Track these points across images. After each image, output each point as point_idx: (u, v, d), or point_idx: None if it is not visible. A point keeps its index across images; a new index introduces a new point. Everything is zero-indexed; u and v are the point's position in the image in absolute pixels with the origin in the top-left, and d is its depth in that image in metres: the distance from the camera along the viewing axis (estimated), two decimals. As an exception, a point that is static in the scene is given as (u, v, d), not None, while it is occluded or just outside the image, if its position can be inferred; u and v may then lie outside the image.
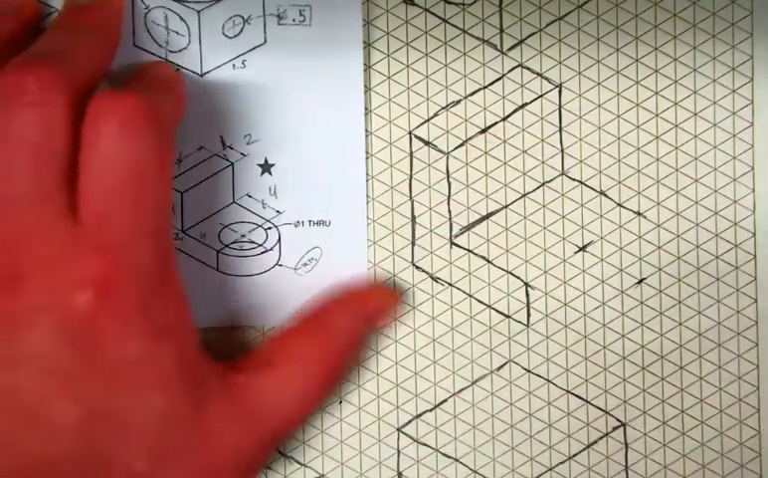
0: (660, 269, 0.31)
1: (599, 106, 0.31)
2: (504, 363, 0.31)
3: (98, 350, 0.24)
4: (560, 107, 0.31)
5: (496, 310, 0.31)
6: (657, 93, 0.31)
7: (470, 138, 0.31)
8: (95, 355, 0.24)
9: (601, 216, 0.31)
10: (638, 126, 0.31)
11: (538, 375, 0.31)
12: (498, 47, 0.30)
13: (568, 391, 0.31)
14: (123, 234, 0.24)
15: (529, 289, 0.31)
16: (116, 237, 0.24)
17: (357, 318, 0.29)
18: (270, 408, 0.27)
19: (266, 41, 0.29)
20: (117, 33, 0.27)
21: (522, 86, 0.31)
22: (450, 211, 0.31)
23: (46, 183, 0.24)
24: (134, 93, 0.24)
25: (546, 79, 0.31)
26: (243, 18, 0.29)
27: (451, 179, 0.31)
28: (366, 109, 0.30)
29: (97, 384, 0.24)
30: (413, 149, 0.31)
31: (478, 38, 0.30)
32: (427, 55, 0.30)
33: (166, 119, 0.25)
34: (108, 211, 0.24)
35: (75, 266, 0.24)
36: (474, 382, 0.31)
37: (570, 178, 0.31)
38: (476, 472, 0.31)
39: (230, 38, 0.29)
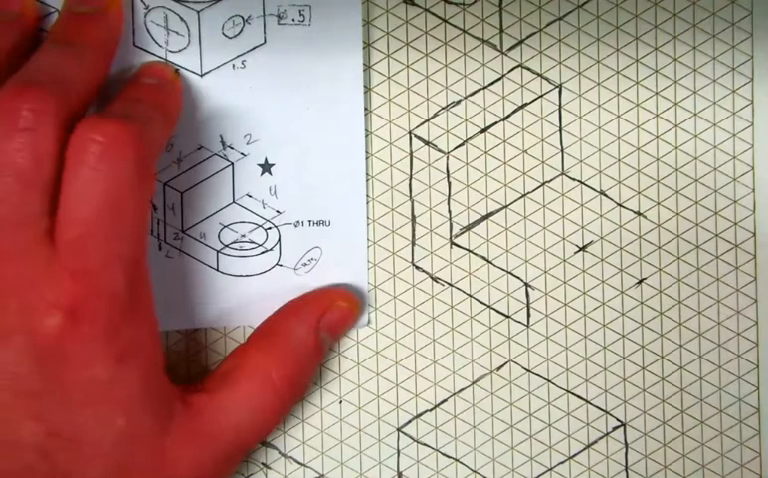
0: (660, 269, 0.31)
1: (599, 106, 0.31)
2: (504, 363, 0.31)
3: (64, 371, 0.24)
4: (560, 107, 0.31)
5: (496, 310, 0.31)
6: (657, 93, 0.31)
7: (470, 138, 0.31)
8: (60, 376, 0.24)
9: (601, 216, 0.31)
10: (638, 126, 0.31)
11: (538, 375, 0.31)
12: (498, 47, 0.30)
13: (568, 391, 0.31)
14: (97, 261, 0.24)
15: (529, 289, 0.31)
16: (90, 263, 0.24)
17: (311, 326, 0.29)
18: (230, 425, 0.27)
19: (265, 41, 0.29)
20: (115, 46, 0.27)
21: (522, 86, 0.31)
22: (450, 211, 0.31)
23: (29, 208, 0.24)
24: (119, 120, 0.24)
25: (546, 79, 0.31)
26: (243, 18, 0.29)
27: (451, 179, 0.31)
28: (366, 109, 0.30)
29: (61, 405, 0.25)
30: (413, 149, 0.31)
31: (478, 38, 0.30)
32: (427, 55, 0.30)
33: (150, 145, 0.25)
34: (84, 238, 0.24)
35: (47, 289, 0.24)
36: (474, 382, 0.31)
37: (570, 178, 0.31)
38: (475, 472, 0.31)
39: (230, 38, 0.29)
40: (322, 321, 0.29)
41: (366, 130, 0.30)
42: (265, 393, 0.28)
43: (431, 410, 0.31)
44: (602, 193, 0.31)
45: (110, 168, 0.24)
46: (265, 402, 0.28)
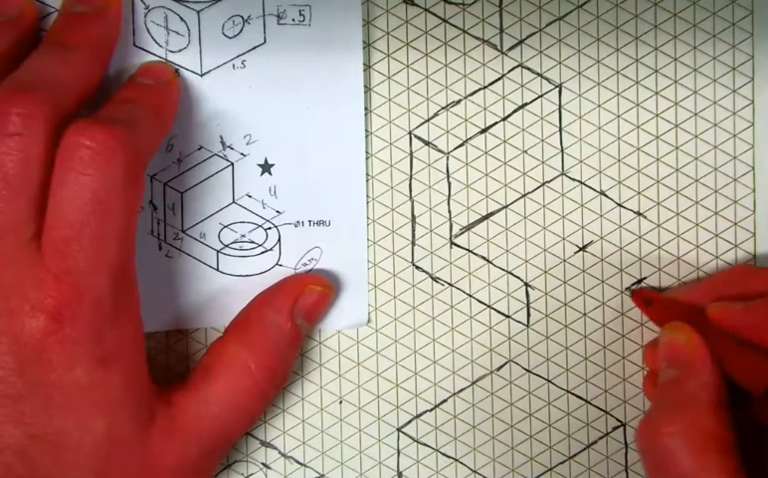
0: (659, 269, 0.31)
1: (599, 106, 0.31)
2: (504, 363, 0.31)
3: (46, 374, 0.24)
4: (560, 107, 0.31)
5: (496, 310, 0.31)
6: (657, 93, 0.31)
7: (470, 138, 0.31)
8: (42, 379, 0.24)
9: (601, 216, 0.31)
10: (638, 126, 0.31)
11: (538, 375, 0.31)
12: (498, 47, 0.30)
13: (568, 391, 0.31)
14: (82, 264, 0.24)
15: (529, 289, 0.31)
16: (75, 266, 0.24)
17: (286, 313, 0.29)
18: (212, 418, 0.27)
19: (265, 41, 0.29)
20: (113, 46, 0.27)
21: (522, 86, 0.31)
22: (450, 211, 0.31)
23: (16, 212, 0.24)
24: (108, 125, 0.24)
25: (546, 79, 0.31)
26: (243, 18, 0.29)
27: (451, 179, 0.31)
28: (366, 109, 0.30)
29: (42, 408, 0.25)
30: (413, 149, 0.31)
31: (478, 38, 0.30)
32: (427, 55, 0.30)
33: (140, 150, 0.25)
34: (70, 240, 0.24)
35: (31, 293, 0.24)
36: (474, 382, 0.31)
37: (570, 178, 0.31)
38: (475, 472, 0.31)
39: (230, 38, 0.29)
40: (296, 306, 0.29)
41: (366, 130, 0.30)
42: (244, 383, 0.28)
43: (431, 410, 0.31)
44: (602, 193, 0.31)
45: (98, 172, 0.24)
46: (245, 392, 0.28)
